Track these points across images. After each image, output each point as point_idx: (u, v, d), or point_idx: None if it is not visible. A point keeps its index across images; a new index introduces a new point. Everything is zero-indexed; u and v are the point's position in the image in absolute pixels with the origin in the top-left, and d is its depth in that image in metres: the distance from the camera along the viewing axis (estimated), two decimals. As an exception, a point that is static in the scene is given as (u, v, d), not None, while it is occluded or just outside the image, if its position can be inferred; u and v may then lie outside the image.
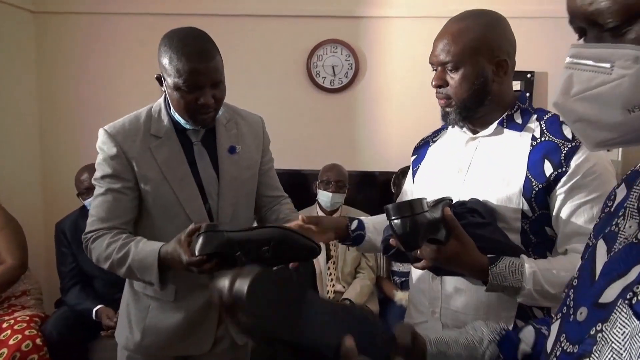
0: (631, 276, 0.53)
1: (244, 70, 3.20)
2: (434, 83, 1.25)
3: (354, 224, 1.42)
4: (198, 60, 1.32)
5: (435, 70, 1.25)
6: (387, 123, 3.28)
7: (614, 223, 0.62)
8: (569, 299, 0.64)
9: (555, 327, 0.66)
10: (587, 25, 0.58)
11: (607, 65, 0.54)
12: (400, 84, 3.19)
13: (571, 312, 0.61)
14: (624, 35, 0.54)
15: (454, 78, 1.21)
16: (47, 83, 3.29)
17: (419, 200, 1.03)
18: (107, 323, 2.49)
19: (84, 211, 2.70)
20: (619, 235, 0.60)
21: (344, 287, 2.89)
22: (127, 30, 3.23)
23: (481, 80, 1.20)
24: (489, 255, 1.12)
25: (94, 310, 2.55)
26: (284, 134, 3.21)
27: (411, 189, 1.49)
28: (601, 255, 0.61)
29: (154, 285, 1.36)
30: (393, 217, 1.02)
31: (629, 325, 0.50)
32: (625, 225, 0.59)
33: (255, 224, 1.75)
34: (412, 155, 1.52)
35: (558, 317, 0.66)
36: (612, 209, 0.65)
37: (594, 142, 0.59)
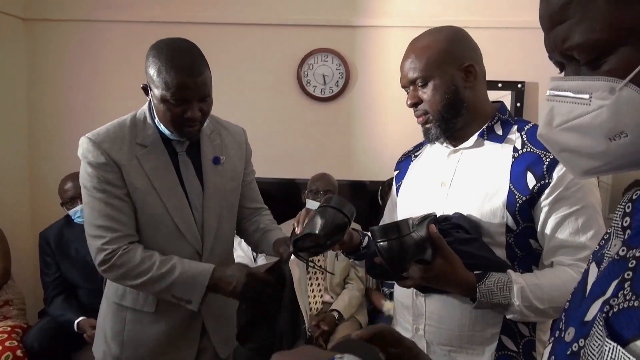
0: (610, 292, 0.54)
1: (235, 79, 3.19)
2: (408, 102, 1.26)
3: (365, 241, 1.39)
4: (187, 75, 1.31)
5: (409, 91, 1.27)
6: (377, 132, 3.27)
7: (606, 246, 0.62)
8: (561, 322, 0.64)
9: (547, 351, 0.65)
10: (564, 60, 0.60)
11: (586, 96, 0.56)
12: (390, 94, 3.19)
13: (562, 335, 0.61)
14: (600, 67, 0.56)
15: (426, 92, 1.23)
16: (36, 91, 3.26)
17: (405, 222, 1.01)
18: (91, 334, 2.42)
19: (68, 220, 2.67)
20: (605, 255, 0.60)
21: (332, 297, 2.86)
22: (117, 37, 3.21)
23: (452, 88, 1.21)
24: (475, 272, 1.10)
25: (76, 322, 2.50)
26: (274, 142, 3.21)
27: (394, 203, 1.48)
28: (592, 277, 0.61)
29: (192, 304, 1.37)
30: (379, 240, 1.01)
31: (602, 338, 0.50)
32: (611, 245, 0.60)
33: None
34: (395, 170, 1.51)
35: (550, 340, 0.66)
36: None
37: (581, 170, 0.61)
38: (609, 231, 0.64)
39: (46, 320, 2.62)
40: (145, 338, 1.49)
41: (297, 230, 1.25)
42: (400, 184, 1.45)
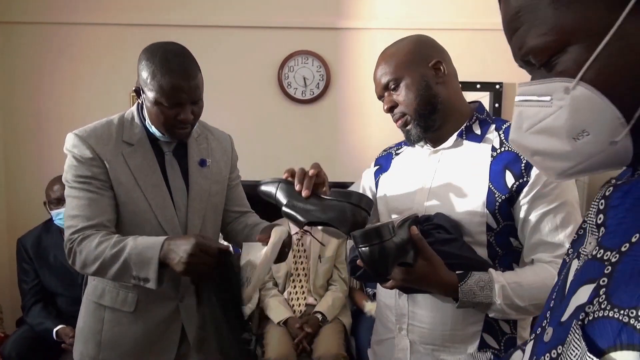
0: (581, 295, 0.54)
1: (215, 82, 3.16)
2: (385, 107, 1.30)
3: None
4: (181, 78, 1.34)
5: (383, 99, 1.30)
6: (358, 133, 3.28)
7: (582, 243, 0.62)
8: (545, 320, 0.63)
9: (529, 349, 0.65)
10: (527, 67, 0.62)
11: (548, 98, 0.57)
12: (371, 95, 3.16)
13: (544, 333, 0.61)
14: (554, 69, 0.57)
15: (400, 94, 1.26)
16: (10, 94, 3.19)
17: (386, 226, 1.01)
18: (69, 342, 2.38)
19: (47, 226, 2.62)
20: (581, 252, 0.60)
21: (315, 299, 2.86)
22: (95, 40, 3.15)
23: (424, 84, 1.24)
24: (457, 272, 1.12)
25: (55, 330, 2.46)
26: (255, 144, 3.19)
27: (369, 192, 1.49)
28: (572, 275, 0.61)
29: (150, 281, 1.29)
30: (361, 245, 1.00)
31: (579, 348, 0.50)
32: (586, 242, 0.60)
33: (221, 239, 1.72)
34: (375, 166, 1.51)
35: (532, 337, 0.66)
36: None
37: (555, 173, 0.61)
38: (584, 226, 0.64)
39: (24, 329, 2.57)
40: (123, 339, 1.47)
41: (302, 191, 1.16)
42: (380, 179, 1.45)
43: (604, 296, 0.50)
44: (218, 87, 3.17)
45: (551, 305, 0.64)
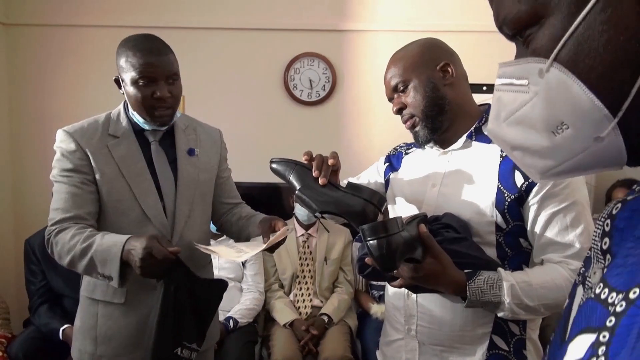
0: (578, 347, 0.44)
1: (222, 83, 3.18)
2: (394, 109, 1.31)
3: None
4: (152, 55, 1.41)
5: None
6: (363, 136, 3.29)
7: (588, 270, 0.53)
8: (546, 357, 0.55)
9: None
10: (512, 40, 0.51)
11: (525, 82, 0.47)
12: (376, 97, 3.20)
13: None
14: (530, 45, 0.47)
15: (408, 95, 1.27)
16: (18, 96, 3.22)
17: (394, 220, 1.02)
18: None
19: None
20: (587, 279, 0.50)
21: (321, 302, 2.86)
22: (101, 42, 3.18)
23: (431, 86, 1.24)
24: (466, 271, 1.11)
25: (61, 330, 2.46)
26: (261, 146, 3.20)
27: (375, 182, 1.51)
28: (576, 305, 0.50)
29: (113, 279, 1.32)
30: (368, 238, 1.01)
31: None
32: (591, 272, 0.49)
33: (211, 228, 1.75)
34: (385, 163, 1.51)
35: None
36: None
37: (537, 171, 0.51)
38: (588, 254, 0.53)
39: (31, 329, 2.58)
40: (117, 332, 1.49)
41: (319, 179, 1.24)
42: (390, 178, 1.45)
43: (602, 357, 0.40)
44: (225, 89, 3.19)
45: (551, 338, 0.56)
